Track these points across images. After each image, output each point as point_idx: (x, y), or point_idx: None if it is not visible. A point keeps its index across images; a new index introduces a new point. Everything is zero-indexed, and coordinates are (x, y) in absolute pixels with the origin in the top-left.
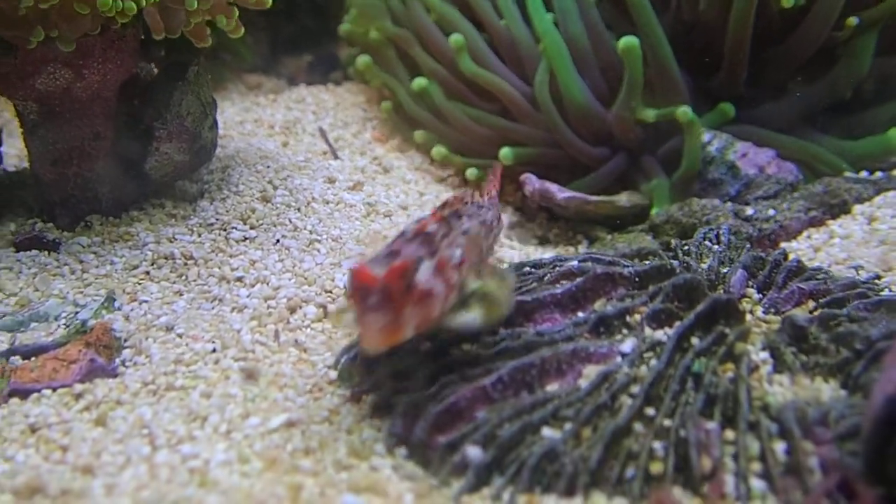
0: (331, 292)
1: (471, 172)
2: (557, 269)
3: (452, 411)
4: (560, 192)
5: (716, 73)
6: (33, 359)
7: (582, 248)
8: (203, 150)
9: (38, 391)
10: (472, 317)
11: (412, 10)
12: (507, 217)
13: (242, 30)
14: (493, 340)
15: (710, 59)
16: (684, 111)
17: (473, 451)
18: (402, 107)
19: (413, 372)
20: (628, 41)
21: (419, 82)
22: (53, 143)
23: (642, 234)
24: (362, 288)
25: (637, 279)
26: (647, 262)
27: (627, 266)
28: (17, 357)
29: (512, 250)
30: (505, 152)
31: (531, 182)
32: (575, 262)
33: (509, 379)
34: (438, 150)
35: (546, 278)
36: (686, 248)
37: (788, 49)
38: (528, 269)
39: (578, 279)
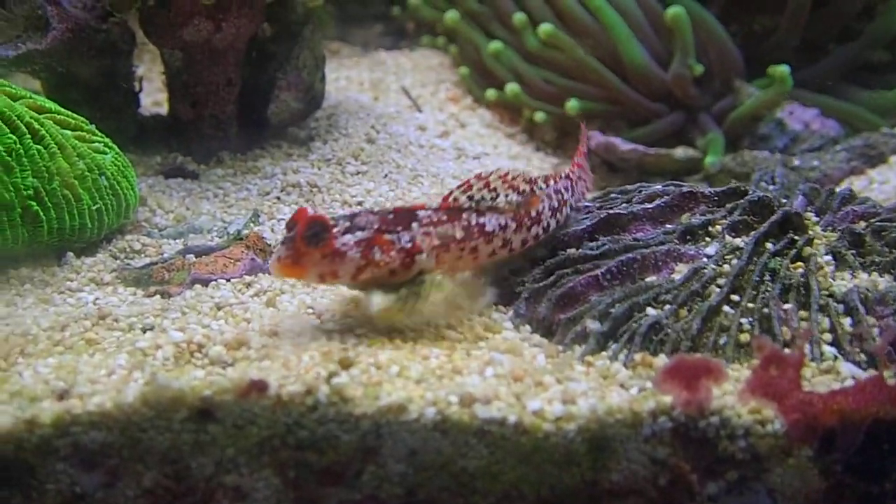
0: None
1: (539, 116)
2: (643, 191)
3: (570, 295)
4: (623, 145)
5: (766, 36)
6: (204, 257)
7: None
8: (314, 99)
9: (215, 280)
10: (377, 301)
11: None
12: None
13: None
14: (595, 245)
15: (761, 22)
16: (782, 70)
17: (592, 323)
18: (474, 74)
19: (528, 269)
20: (675, 11)
21: (495, 45)
22: (194, 87)
23: (699, 184)
24: (290, 221)
25: (716, 198)
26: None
27: (707, 188)
28: (191, 255)
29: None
30: (571, 104)
31: (596, 137)
32: (659, 186)
33: (616, 270)
34: (512, 88)
35: (634, 199)
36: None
37: (835, 9)
38: (613, 194)
39: (666, 196)
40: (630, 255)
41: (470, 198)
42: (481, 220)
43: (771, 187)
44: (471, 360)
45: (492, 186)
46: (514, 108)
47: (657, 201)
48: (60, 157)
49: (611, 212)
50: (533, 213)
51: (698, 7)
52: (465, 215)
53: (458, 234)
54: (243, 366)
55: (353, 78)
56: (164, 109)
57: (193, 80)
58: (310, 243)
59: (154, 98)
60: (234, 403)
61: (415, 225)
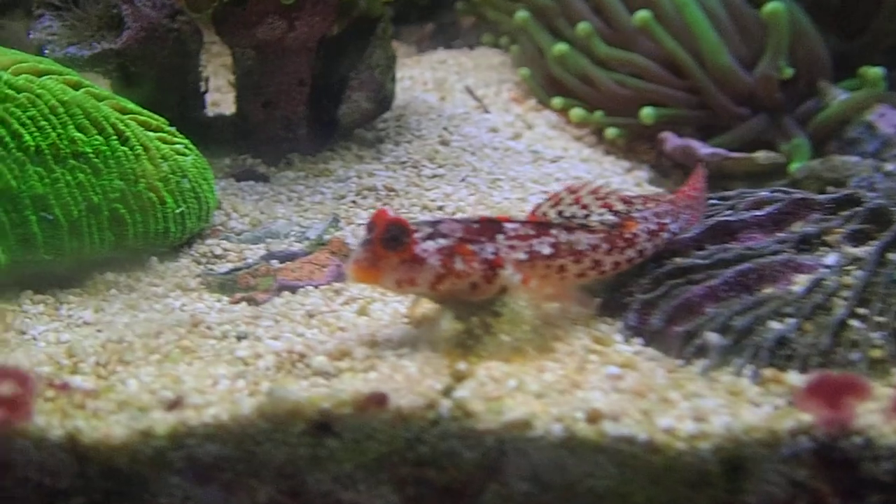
0: None
1: (611, 132)
2: (747, 197)
3: (686, 306)
4: (702, 148)
5: (853, 36)
6: (289, 262)
7: None
8: (385, 99)
9: (303, 287)
10: (445, 326)
11: None
12: (644, 173)
13: None
14: (705, 253)
15: (850, 22)
16: (876, 72)
17: (714, 337)
18: (536, 74)
19: (634, 279)
20: (775, 6)
21: (560, 48)
22: (265, 87)
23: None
24: (369, 223)
25: (830, 205)
26: (836, 192)
27: (819, 195)
28: (276, 261)
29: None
30: (647, 112)
31: (671, 139)
32: (765, 192)
33: (734, 281)
34: (576, 112)
35: (739, 206)
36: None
37: None
38: (713, 200)
39: (778, 203)
40: (747, 264)
41: (560, 213)
42: (571, 237)
43: (870, 195)
44: (588, 375)
45: (583, 202)
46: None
47: (768, 208)
48: (145, 158)
49: (719, 219)
50: (628, 235)
51: (789, 2)
52: (554, 231)
53: (546, 251)
54: (349, 377)
55: (416, 77)
56: (224, 110)
57: (265, 80)
58: (388, 247)
59: (211, 98)
60: (352, 417)
61: (500, 237)
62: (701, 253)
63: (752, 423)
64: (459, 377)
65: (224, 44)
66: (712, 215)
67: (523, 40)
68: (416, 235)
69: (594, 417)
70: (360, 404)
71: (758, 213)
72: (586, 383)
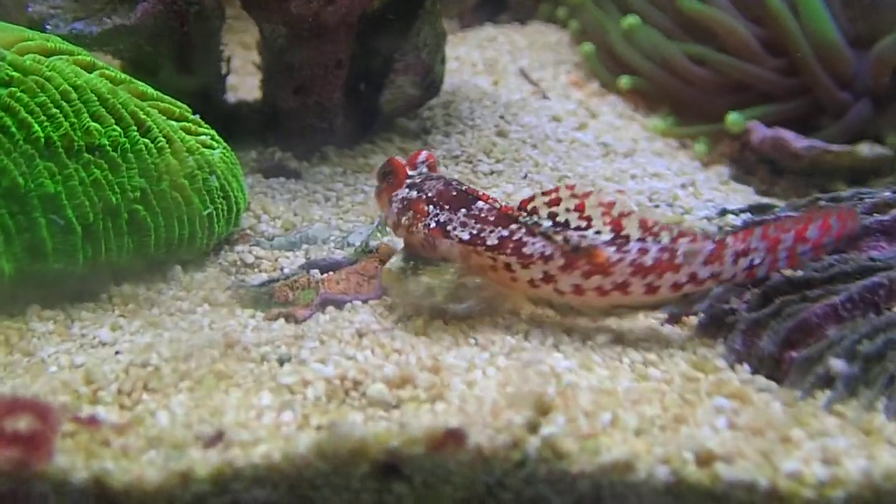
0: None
1: (700, 149)
2: (865, 199)
3: (803, 328)
4: (797, 140)
5: None
6: (332, 273)
7: (821, 204)
8: (433, 84)
9: (350, 302)
10: (393, 261)
11: None
12: (726, 169)
13: None
14: (822, 265)
15: None
16: None
17: (839, 364)
18: (600, 54)
19: (738, 294)
20: None
21: (630, 20)
22: (299, 70)
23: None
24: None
25: None
26: None
27: None
28: (317, 271)
29: (734, 194)
30: (733, 118)
31: (759, 130)
32: (889, 193)
33: (859, 298)
34: (655, 126)
35: (857, 209)
36: None
37: None
38: (823, 202)
39: None
40: (875, 279)
41: (553, 215)
42: (525, 238)
43: None
44: (693, 408)
45: (587, 213)
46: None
47: (894, 212)
48: (169, 152)
49: None
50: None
51: None
52: (512, 226)
53: (491, 241)
54: (412, 408)
55: (463, 57)
56: (243, 95)
57: (299, 63)
58: (381, 179)
59: (229, 81)
60: (425, 457)
61: (462, 211)
62: (816, 265)
63: (893, 467)
64: (544, 409)
65: (253, 20)
66: None
67: (585, 14)
68: (407, 180)
69: (706, 459)
70: (434, 442)
71: (883, 217)
72: (692, 418)
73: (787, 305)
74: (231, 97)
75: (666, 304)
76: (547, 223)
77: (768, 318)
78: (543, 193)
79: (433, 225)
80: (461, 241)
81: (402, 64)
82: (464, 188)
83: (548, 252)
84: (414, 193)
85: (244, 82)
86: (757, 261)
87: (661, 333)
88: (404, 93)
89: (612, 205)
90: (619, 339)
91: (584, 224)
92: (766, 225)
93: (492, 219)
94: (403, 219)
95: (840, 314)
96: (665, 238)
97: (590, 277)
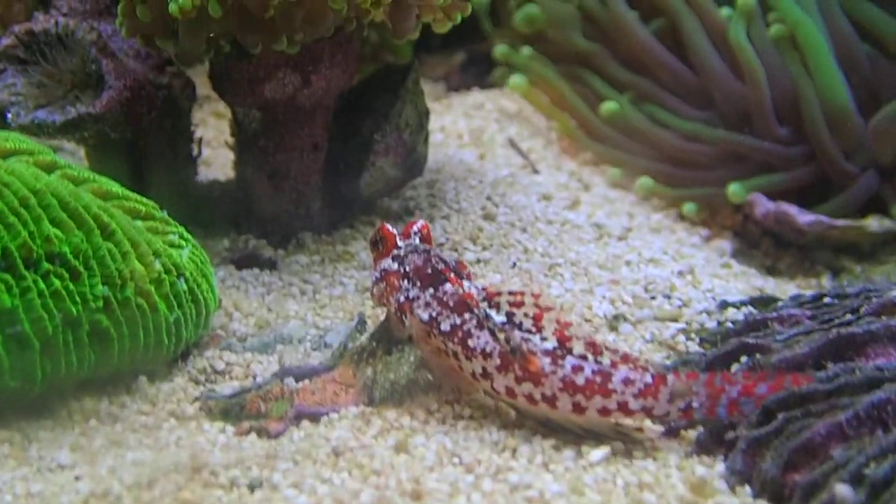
0: (590, 321)
1: (689, 209)
2: (874, 300)
3: (807, 448)
4: (802, 215)
5: None
6: (307, 381)
7: (825, 280)
8: (416, 164)
9: (326, 414)
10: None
11: (613, 6)
12: (728, 244)
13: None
14: (826, 375)
15: None
16: None
17: (845, 491)
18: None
19: None
20: None
21: (609, 106)
22: (273, 154)
23: None
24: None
25: None
26: None
27: None
28: (291, 379)
29: (735, 280)
30: (734, 189)
31: (762, 203)
32: None
33: (865, 415)
34: (643, 184)
35: (863, 310)
36: None
37: None
38: (828, 299)
39: None
40: (882, 395)
41: (509, 315)
42: (473, 330)
43: None
44: None
45: (541, 325)
46: None
47: None
48: (134, 256)
49: (842, 331)
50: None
51: None
52: (465, 315)
53: (444, 327)
54: None
55: (448, 128)
56: (216, 171)
57: (273, 147)
58: (372, 248)
59: (203, 154)
60: None
61: (429, 291)
62: (822, 375)
63: None
64: None
65: (224, 103)
66: (829, 320)
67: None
68: (394, 251)
69: None
70: None
71: (890, 322)
72: None
73: (790, 422)
74: (204, 174)
75: (600, 432)
76: (499, 318)
77: (770, 436)
78: (510, 293)
79: (402, 300)
80: (420, 321)
81: (383, 145)
82: (441, 267)
83: (489, 349)
84: (395, 266)
85: (217, 156)
86: (695, 405)
87: (657, 450)
88: (385, 175)
89: (567, 325)
90: (614, 455)
91: (534, 330)
92: (714, 375)
93: (451, 304)
94: (376, 290)
95: (846, 432)
96: (605, 360)
97: (521, 383)
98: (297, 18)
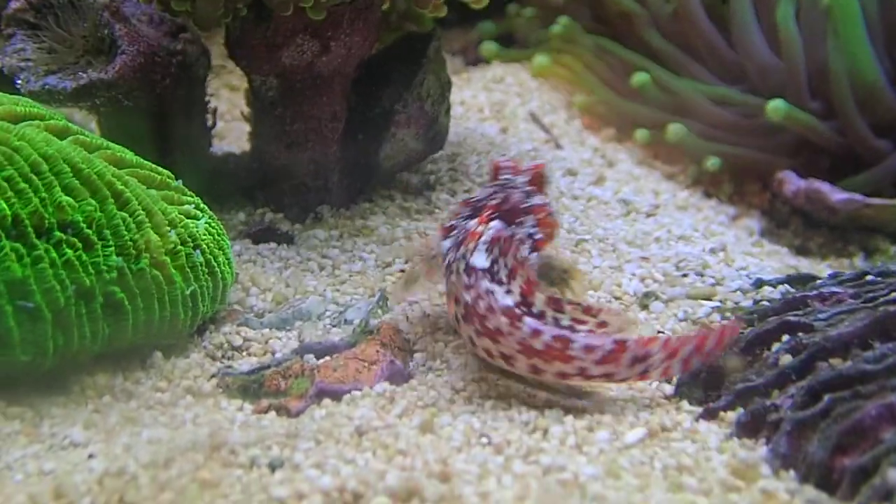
0: (620, 299)
1: (713, 163)
2: None
3: (857, 431)
4: (834, 193)
5: None
6: (328, 358)
7: (858, 261)
8: (438, 137)
9: (348, 392)
10: None
11: None
12: (756, 223)
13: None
14: (873, 355)
15: None
16: None
17: None
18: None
19: (776, 388)
20: None
21: (640, 78)
22: (291, 124)
23: None
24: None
25: None
26: None
27: None
28: (311, 356)
29: (768, 259)
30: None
31: (793, 180)
32: None
33: None
34: (677, 130)
35: None
36: None
37: None
38: (872, 276)
39: None
40: None
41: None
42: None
43: None
44: None
45: (564, 308)
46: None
47: None
48: (149, 226)
49: (890, 309)
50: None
51: None
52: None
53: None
54: None
55: (469, 102)
56: (230, 144)
57: (291, 116)
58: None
59: (216, 128)
60: None
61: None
62: (869, 355)
63: None
64: None
65: (241, 70)
66: (873, 298)
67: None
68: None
69: None
70: None
71: None
72: None
73: (838, 403)
74: (217, 147)
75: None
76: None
77: (817, 419)
78: (504, 239)
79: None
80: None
81: (404, 116)
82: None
83: (460, 294)
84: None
85: (231, 129)
86: (653, 366)
87: (697, 431)
88: (406, 147)
89: (535, 283)
90: (650, 437)
91: (505, 280)
92: (669, 338)
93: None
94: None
95: None
96: (565, 319)
97: (480, 337)
98: None
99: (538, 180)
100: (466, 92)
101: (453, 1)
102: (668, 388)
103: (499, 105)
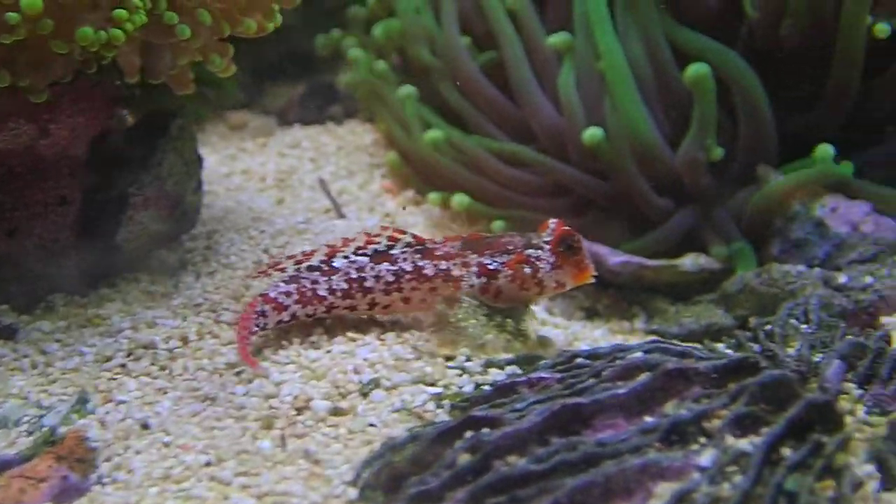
0: (342, 388)
1: (497, 225)
2: (618, 361)
3: None
4: (612, 256)
5: (802, 111)
6: None
7: (639, 322)
8: (185, 216)
9: None
10: None
11: (445, 30)
12: None
13: (234, 68)
14: (545, 452)
15: (795, 94)
16: (824, 150)
17: None
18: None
19: (451, 491)
20: (698, 70)
21: (432, 135)
22: (11, 210)
23: (712, 307)
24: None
25: (715, 375)
26: (726, 355)
27: (703, 358)
28: None
29: (555, 329)
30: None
31: None
32: (640, 355)
33: (569, 502)
34: (461, 200)
35: (605, 374)
36: (768, 328)
37: (892, 79)
38: (580, 360)
39: (644, 376)
40: (588, 477)
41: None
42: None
43: (804, 328)
44: None
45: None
46: None
47: (633, 384)
48: None
49: (566, 402)
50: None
51: (741, 64)
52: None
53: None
54: None
55: (253, 171)
56: None
57: (11, 202)
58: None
59: None
60: None
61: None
62: (542, 452)
63: None
64: None
65: None
66: (574, 384)
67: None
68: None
69: None
70: None
71: (619, 391)
72: None
73: None
74: None
75: None
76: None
77: None
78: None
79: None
80: None
81: (141, 198)
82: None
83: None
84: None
85: None
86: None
87: None
88: (147, 229)
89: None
90: None
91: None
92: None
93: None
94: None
95: None
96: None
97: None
98: (20, 62)
99: (558, 242)
100: (257, 159)
101: (290, 52)
102: (353, 493)
103: (286, 173)
